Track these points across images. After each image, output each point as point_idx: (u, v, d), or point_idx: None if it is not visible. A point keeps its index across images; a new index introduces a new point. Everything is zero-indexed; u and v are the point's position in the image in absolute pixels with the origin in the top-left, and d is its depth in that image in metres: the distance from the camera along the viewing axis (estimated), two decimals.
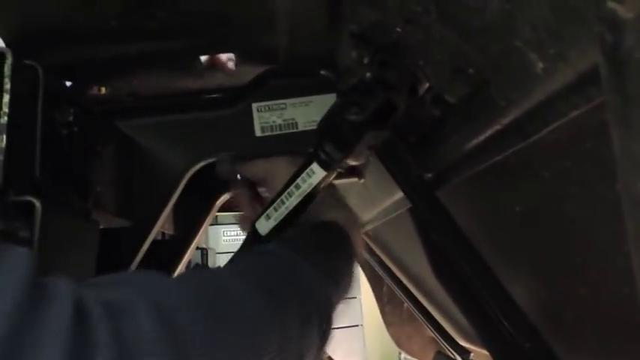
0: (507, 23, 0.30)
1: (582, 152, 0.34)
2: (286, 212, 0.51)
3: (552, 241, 0.44)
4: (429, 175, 0.55)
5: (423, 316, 1.00)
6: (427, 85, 0.45)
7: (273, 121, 0.64)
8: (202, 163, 0.64)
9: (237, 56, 0.59)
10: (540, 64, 0.30)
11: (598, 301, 0.41)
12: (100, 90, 0.58)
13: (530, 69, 0.30)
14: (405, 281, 1.01)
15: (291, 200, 0.50)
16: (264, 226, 0.52)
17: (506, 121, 0.37)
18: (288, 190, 0.50)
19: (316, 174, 0.49)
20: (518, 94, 0.34)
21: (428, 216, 0.59)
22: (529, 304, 0.52)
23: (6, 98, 0.39)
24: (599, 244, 0.38)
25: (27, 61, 0.43)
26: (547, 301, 0.49)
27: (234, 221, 2.53)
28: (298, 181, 0.50)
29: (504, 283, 0.54)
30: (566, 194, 0.38)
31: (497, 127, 0.38)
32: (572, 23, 0.26)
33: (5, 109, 0.39)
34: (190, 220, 0.76)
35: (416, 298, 1.00)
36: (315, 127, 0.63)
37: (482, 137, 0.42)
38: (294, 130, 0.64)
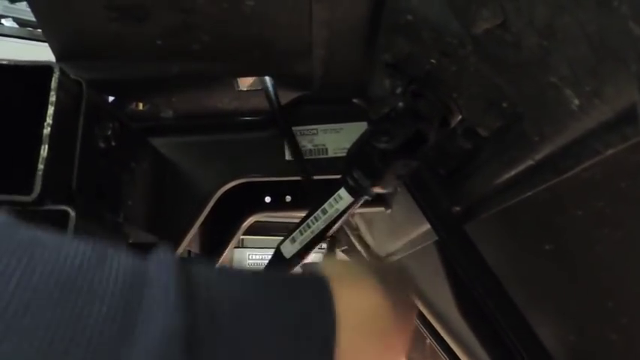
0: (543, 59, 0.30)
1: (617, 192, 0.33)
2: (312, 236, 0.51)
3: (583, 282, 0.43)
4: (458, 208, 0.55)
5: (445, 353, 0.98)
6: (459, 117, 0.45)
7: (304, 146, 0.65)
8: (232, 184, 0.65)
9: (273, 80, 0.60)
10: (576, 101, 0.29)
11: (630, 349, 0.40)
12: (138, 106, 0.60)
13: (566, 105, 0.30)
14: (428, 316, 0.99)
15: (318, 224, 0.50)
16: (288, 249, 0.52)
17: (538, 156, 0.37)
18: (315, 214, 0.51)
19: (343, 200, 0.49)
20: (552, 130, 0.33)
21: (455, 250, 0.58)
22: (557, 348, 0.51)
23: (50, 110, 0.41)
24: (633, 288, 0.36)
25: (72, 76, 0.45)
26: (576, 346, 0.48)
27: (259, 245, 2.53)
28: (325, 205, 0.50)
29: (532, 324, 0.52)
30: (599, 235, 0.37)
31: (530, 162, 0.38)
32: (610, 61, 0.26)
33: (49, 121, 0.41)
34: (216, 240, 0.77)
35: (439, 334, 0.98)
36: (344, 154, 0.63)
37: (513, 172, 0.41)
38: (324, 156, 0.65)
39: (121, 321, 0.23)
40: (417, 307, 0.44)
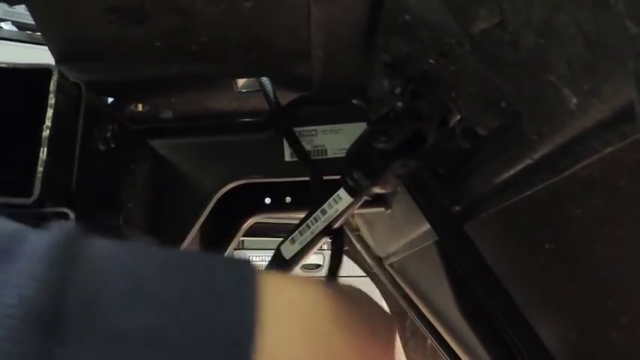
0: (541, 58, 0.30)
1: (616, 190, 0.33)
2: (311, 237, 0.51)
3: (583, 282, 0.43)
4: (457, 208, 0.55)
5: (446, 353, 0.98)
6: (458, 117, 0.45)
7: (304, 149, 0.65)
8: (231, 185, 0.65)
9: (271, 81, 0.60)
10: (574, 100, 0.29)
11: (631, 348, 0.40)
12: (137, 108, 0.60)
13: (564, 104, 0.30)
14: (428, 316, 0.99)
15: (317, 225, 0.50)
16: (288, 250, 0.52)
17: (537, 155, 0.37)
18: (315, 215, 0.51)
19: (343, 200, 0.50)
20: (551, 129, 0.33)
21: (454, 250, 0.58)
22: (557, 348, 0.51)
23: (49, 113, 0.41)
24: (633, 287, 0.36)
25: (71, 78, 0.45)
26: (576, 345, 0.48)
27: (259, 246, 2.54)
28: (325, 206, 0.50)
29: (532, 323, 0.52)
30: (599, 233, 0.37)
31: (529, 161, 0.38)
32: (607, 59, 0.26)
33: (48, 123, 0.41)
34: (216, 242, 0.77)
35: (440, 333, 0.98)
36: (344, 155, 0.63)
37: (512, 171, 0.41)
38: (323, 157, 0.65)
39: None
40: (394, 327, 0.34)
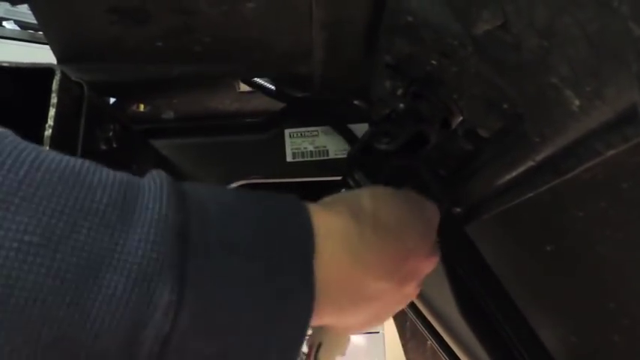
0: (544, 59, 0.30)
1: (618, 193, 0.33)
2: None
3: (584, 284, 0.43)
4: (458, 209, 0.55)
5: (446, 354, 0.98)
6: (460, 118, 0.45)
7: (305, 148, 0.65)
8: (233, 186, 0.65)
9: (273, 82, 0.60)
10: (576, 102, 0.29)
11: (632, 350, 0.40)
12: (139, 108, 0.60)
13: (566, 106, 0.30)
14: (429, 317, 0.99)
15: None
16: None
17: (539, 157, 0.37)
18: None
19: None
20: (553, 131, 0.33)
21: (455, 251, 0.58)
22: (558, 349, 0.51)
23: (52, 112, 0.41)
24: (635, 289, 0.36)
25: (74, 78, 0.45)
26: (577, 347, 0.48)
27: None
28: None
29: (533, 325, 0.52)
30: (600, 236, 0.37)
31: (531, 163, 0.38)
32: (610, 61, 0.26)
33: (50, 123, 0.41)
34: None
35: (440, 335, 0.98)
36: (345, 155, 0.63)
37: (514, 173, 0.41)
38: (325, 158, 0.65)
39: (120, 208, 0.25)
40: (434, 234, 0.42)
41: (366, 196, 0.37)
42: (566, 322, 0.49)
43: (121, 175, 0.27)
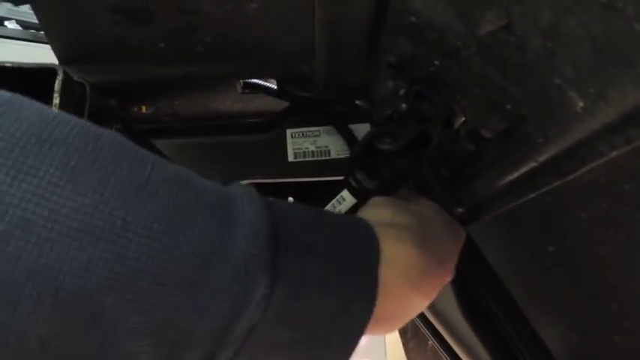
0: (548, 60, 0.30)
1: (620, 194, 0.33)
2: None
3: (586, 284, 0.43)
4: (461, 209, 0.55)
5: (447, 354, 0.98)
6: (463, 118, 0.45)
7: (307, 148, 0.65)
8: None
9: (275, 82, 0.60)
10: (580, 103, 0.29)
11: (633, 351, 0.40)
12: (141, 109, 0.60)
13: (570, 107, 0.30)
14: (430, 317, 0.99)
15: None
16: None
17: (542, 158, 0.37)
18: None
19: (346, 201, 0.49)
20: (556, 132, 0.33)
21: None
22: (559, 349, 0.51)
23: None
24: (636, 290, 0.36)
25: (76, 78, 0.45)
26: (579, 348, 0.48)
27: None
28: (328, 207, 0.50)
29: (534, 325, 0.52)
30: (603, 237, 0.37)
31: (533, 164, 0.38)
32: (614, 63, 0.26)
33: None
34: None
35: (441, 335, 0.98)
36: (347, 156, 0.63)
37: (517, 174, 0.41)
38: (327, 158, 0.65)
39: (223, 208, 0.28)
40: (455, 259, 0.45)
41: (416, 221, 0.41)
42: (567, 323, 0.49)
43: (215, 183, 0.30)
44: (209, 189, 0.29)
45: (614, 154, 0.30)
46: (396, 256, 0.36)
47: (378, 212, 0.41)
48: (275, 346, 0.30)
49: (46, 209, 0.22)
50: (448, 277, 0.42)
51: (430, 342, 1.08)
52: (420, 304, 0.39)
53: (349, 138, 0.63)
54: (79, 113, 0.45)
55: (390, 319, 0.38)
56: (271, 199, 0.32)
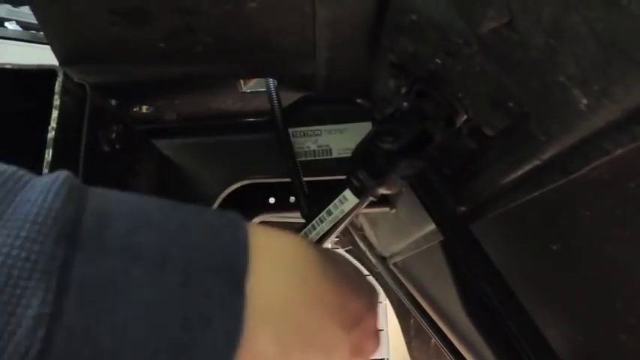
0: (551, 58, 0.29)
1: (626, 192, 0.32)
2: (317, 238, 0.51)
3: (591, 283, 0.42)
4: (463, 208, 0.55)
5: (450, 353, 0.97)
6: (464, 117, 0.45)
7: (308, 147, 0.65)
8: (236, 185, 0.65)
9: (276, 81, 0.60)
10: (584, 100, 0.29)
11: (639, 350, 0.39)
12: (141, 109, 0.60)
13: (573, 105, 0.30)
14: (433, 316, 0.98)
15: (322, 226, 0.50)
16: None
17: (545, 156, 0.36)
18: (320, 216, 0.50)
19: (348, 201, 0.49)
20: (560, 130, 0.33)
21: (460, 250, 0.57)
22: (564, 348, 0.50)
23: (54, 114, 0.41)
24: None
25: (76, 80, 0.45)
26: (584, 347, 0.47)
27: None
28: (330, 207, 0.50)
29: (539, 324, 0.52)
30: (607, 235, 0.37)
31: (537, 162, 0.38)
32: (619, 59, 0.26)
33: (53, 125, 0.41)
34: None
35: (444, 333, 0.98)
36: (348, 155, 0.63)
37: (520, 172, 0.41)
38: (328, 157, 0.64)
39: None
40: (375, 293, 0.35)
41: (320, 248, 0.32)
42: (572, 322, 0.49)
43: (3, 166, 0.23)
44: None
45: (619, 151, 0.29)
46: (275, 247, 0.28)
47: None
48: None
49: None
50: (359, 304, 0.32)
51: (433, 340, 1.08)
52: (320, 322, 0.28)
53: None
54: (79, 114, 0.44)
55: (282, 338, 0.26)
56: (98, 188, 0.24)
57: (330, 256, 0.32)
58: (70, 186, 0.23)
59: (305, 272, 0.29)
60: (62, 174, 0.23)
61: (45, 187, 0.22)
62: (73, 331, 0.20)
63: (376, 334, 0.34)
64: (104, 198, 0.24)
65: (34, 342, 0.19)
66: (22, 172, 0.23)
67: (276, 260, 0.27)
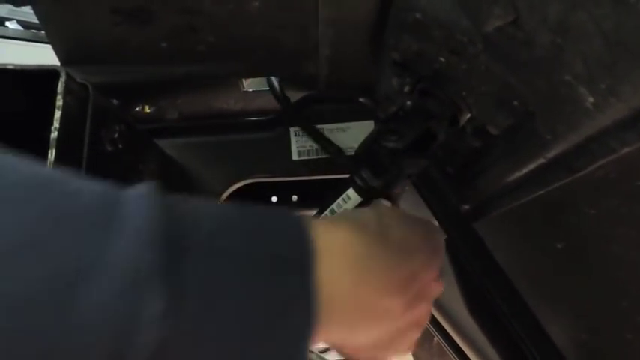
0: (557, 56, 0.29)
1: (632, 191, 0.32)
2: None
3: (596, 281, 0.42)
4: (467, 206, 0.54)
5: (453, 351, 0.97)
6: (468, 115, 0.44)
7: (310, 146, 0.65)
8: (239, 185, 0.64)
9: (279, 80, 0.60)
10: (590, 99, 0.29)
11: None
12: (144, 108, 0.60)
13: (579, 103, 0.30)
14: (435, 314, 0.98)
15: None
16: None
17: (551, 155, 0.36)
18: (323, 215, 0.50)
19: (352, 200, 0.49)
20: (566, 129, 0.33)
21: (464, 249, 0.57)
22: (568, 347, 0.50)
23: (57, 114, 0.41)
24: None
25: (79, 80, 0.45)
26: (589, 345, 0.47)
27: None
28: (334, 206, 0.50)
29: (543, 323, 0.52)
30: (613, 233, 0.37)
31: (542, 160, 0.37)
32: (626, 58, 0.25)
33: (56, 125, 0.40)
34: None
35: (446, 331, 0.97)
36: (351, 153, 0.63)
37: (524, 171, 0.41)
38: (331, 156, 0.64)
39: (103, 213, 0.24)
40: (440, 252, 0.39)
41: (373, 214, 0.36)
42: (576, 320, 0.49)
43: (99, 183, 0.26)
44: (85, 191, 0.24)
45: (625, 150, 0.29)
46: (335, 243, 0.31)
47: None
48: None
49: None
50: (426, 281, 0.36)
51: (436, 338, 1.08)
52: (384, 303, 0.33)
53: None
54: (82, 114, 0.44)
55: (349, 322, 0.32)
56: (181, 196, 0.28)
57: (387, 222, 0.35)
58: (162, 198, 0.26)
59: (364, 261, 0.32)
60: (151, 188, 0.26)
61: (143, 202, 0.25)
62: (188, 322, 0.24)
63: (436, 279, 0.38)
64: (190, 206, 0.27)
65: (156, 334, 0.22)
66: (114, 189, 0.26)
67: (339, 252, 0.31)
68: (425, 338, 1.28)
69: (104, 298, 0.22)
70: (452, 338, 0.96)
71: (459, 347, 0.95)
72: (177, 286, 0.24)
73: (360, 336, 0.33)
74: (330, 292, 0.29)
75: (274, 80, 0.60)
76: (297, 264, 0.28)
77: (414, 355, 1.34)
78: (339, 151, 0.62)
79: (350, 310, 0.31)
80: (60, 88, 0.41)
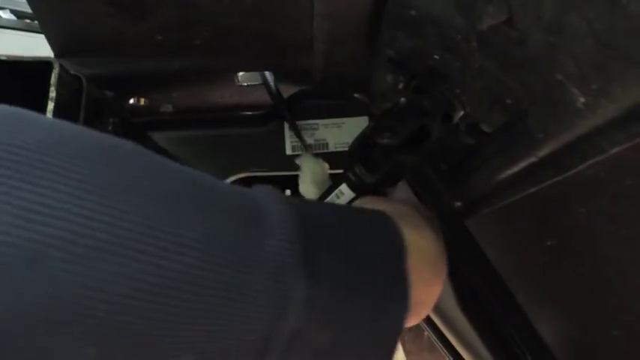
0: (550, 56, 0.29)
1: (621, 189, 0.33)
2: None
3: (586, 279, 0.43)
4: (459, 203, 0.55)
5: (444, 346, 0.98)
6: (462, 112, 0.45)
7: (305, 141, 0.65)
8: (233, 179, 0.64)
9: (274, 75, 0.60)
10: (582, 99, 0.29)
11: (633, 346, 0.40)
12: (139, 101, 0.60)
13: (571, 103, 0.30)
14: None
15: None
16: None
17: (542, 153, 0.36)
18: None
19: (345, 195, 0.49)
20: (557, 128, 0.33)
21: (455, 245, 0.58)
22: (558, 344, 0.51)
23: (50, 106, 0.41)
24: (636, 285, 0.36)
25: (72, 72, 0.44)
26: (578, 342, 0.48)
27: None
28: (327, 201, 0.50)
29: (532, 319, 0.53)
30: (603, 232, 0.37)
31: (533, 159, 0.38)
32: (618, 59, 0.26)
33: (49, 116, 0.40)
34: None
35: (437, 327, 0.98)
36: (345, 149, 0.63)
37: (516, 168, 0.41)
38: (325, 151, 0.65)
39: (251, 211, 0.27)
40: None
41: (409, 207, 0.43)
42: (566, 317, 0.49)
43: (233, 185, 0.30)
44: (232, 193, 0.28)
45: (615, 149, 0.30)
46: (417, 243, 0.36)
47: (378, 206, 0.40)
48: (318, 350, 0.28)
49: (78, 225, 0.21)
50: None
51: (426, 333, 1.08)
52: (439, 288, 0.39)
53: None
54: (75, 106, 0.44)
55: (419, 308, 0.37)
56: (290, 196, 0.31)
57: (425, 224, 0.41)
58: (285, 199, 0.29)
59: (431, 251, 0.39)
60: (271, 190, 0.30)
61: (274, 201, 0.29)
62: (320, 307, 0.27)
63: None
64: (304, 204, 0.32)
65: (300, 317, 0.26)
66: (245, 188, 0.30)
67: (418, 250, 0.36)
68: (416, 333, 1.29)
69: (265, 286, 0.25)
70: (442, 333, 0.97)
71: (450, 343, 0.96)
72: (314, 278, 0.27)
73: (417, 317, 0.39)
74: (414, 279, 0.33)
75: (268, 75, 0.60)
76: (396, 260, 0.33)
77: (404, 350, 1.34)
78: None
79: (424, 300, 0.38)
80: (53, 79, 0.41)
